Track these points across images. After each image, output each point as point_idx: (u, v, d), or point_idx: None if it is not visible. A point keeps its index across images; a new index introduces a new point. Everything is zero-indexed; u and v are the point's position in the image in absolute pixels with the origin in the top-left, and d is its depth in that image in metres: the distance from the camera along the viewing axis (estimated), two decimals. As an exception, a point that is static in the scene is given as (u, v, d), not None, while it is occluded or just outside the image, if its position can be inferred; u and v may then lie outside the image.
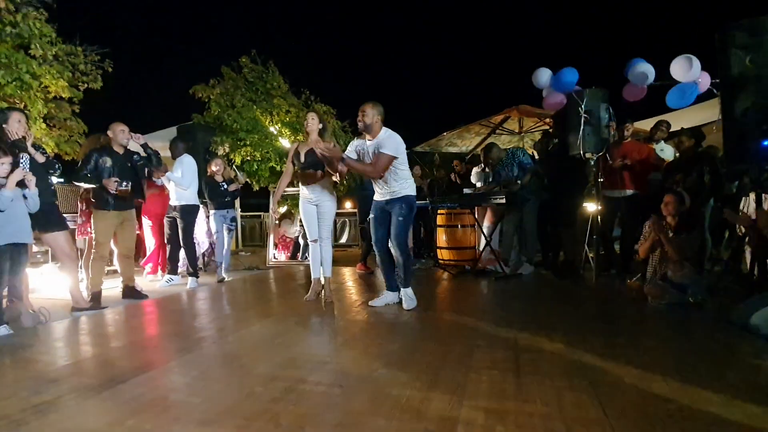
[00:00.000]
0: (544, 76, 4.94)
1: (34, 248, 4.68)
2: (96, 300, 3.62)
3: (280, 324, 2.90)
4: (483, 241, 5.12)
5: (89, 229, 4.17)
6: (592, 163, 4.46)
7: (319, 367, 2.03)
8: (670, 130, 5.14)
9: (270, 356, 2.20)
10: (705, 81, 4.51)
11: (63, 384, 1.88)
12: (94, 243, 3.81)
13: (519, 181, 4.93)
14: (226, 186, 5.14)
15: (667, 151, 4.94)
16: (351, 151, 3.37)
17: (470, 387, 1.78)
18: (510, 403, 1.62)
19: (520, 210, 5.01)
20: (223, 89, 7.31)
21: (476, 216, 5.23)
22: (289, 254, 6.80)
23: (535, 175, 4.99)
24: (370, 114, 3.15)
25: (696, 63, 4.26)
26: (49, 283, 4.40)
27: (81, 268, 4.12)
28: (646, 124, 5.91)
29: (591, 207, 4.57)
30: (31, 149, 3.17)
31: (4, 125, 3.03)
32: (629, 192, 4.46)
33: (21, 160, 3.05)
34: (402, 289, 3.32)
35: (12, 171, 2.83)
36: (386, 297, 3.41)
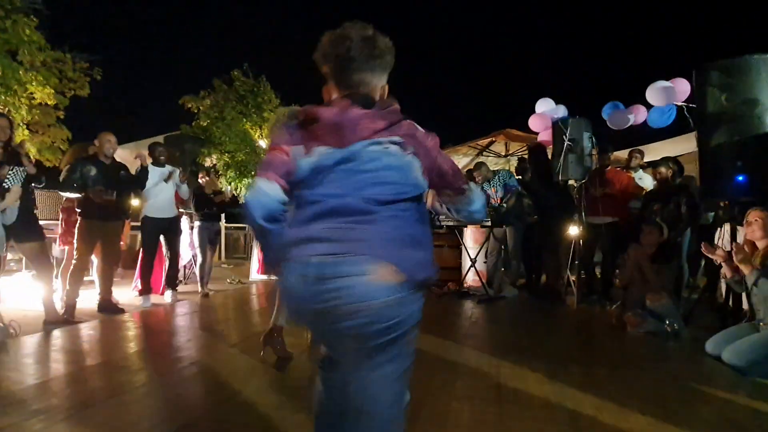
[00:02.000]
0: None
1: (9, 255, 4.54)
2: (70, 313, 3.51)
3: (256, 345, 2.85)
4: (468, 262, 5.15)
5: (70, 238, 4.07)
6: (575, 189, 4.58)
7: (299, 393, 1.99)
8: (652, 160, 5.32)
9: (250, 379, 2.16)
10: (682, 88, 4.67)
11: (30, 405, 1.81)
12: (75, 253, 3.71)
13: (504, 204, 5.02)
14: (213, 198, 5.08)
15: (645, 180, 5.10)
16: None
17: (452, 417, 1.77)
18: (490, 436, 1.62)
19: (505, 232, 5.08)
20: (214, 101, 7.31)
21: (462, 237, 5.28)
22: (272, 269, 6.73)
23: (519, 199, 5.08)
24: None
25: (671, 88, 4.45)
26: (21, 294, 4.25)
27: (57, 278, 3.99)
28: (625, 153, 6.12)
29: (574, 232, 4.66)
30: (25, 160, 3.12)
31: (-14, 132, 2.96)
32: (609, 219, 4.56)
33: (10, 172, 2.98)
34: None
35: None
36: None
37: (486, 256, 5.26)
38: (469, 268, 5.05)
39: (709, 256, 2.80)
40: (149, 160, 4.23)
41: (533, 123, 5.23)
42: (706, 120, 3.38)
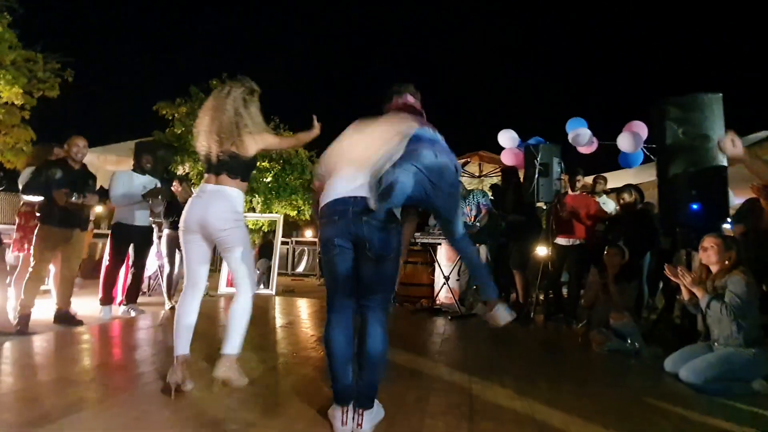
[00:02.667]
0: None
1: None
2: (23, 324, 3.31)
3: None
4: (441, 280, 5.22)
5: (26, 244, 3.85)
6: (545, 211, 4.77)
7: (271, 410, 1.96)
8: (615, 187, 5.61)
9: (219, 396, 2.10)
10: (642, 132, 5.01)
11: (-21, 423, 1.70)
12: (31, 260, 3.51)
13: (477, 223, 5.15)
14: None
15: (609, 205, 5.37)
16: None
17: (425, 433, 1.79)
18: (463, 451, 1.64)
19: (478, 251, 5.21)
20: (190, 109, 7.19)
21: (435, 254, 5.36)
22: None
23: (492, 218, 5.22)
24: None
25: (638, 138, 4.76)
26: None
27: (11, 286, 3.76)
28: (590, 179, 6.43)
29: (542, 252, 4.82)
30: None
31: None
32: (576, 241, 4.76)
33: None
34: None
35: None
36: None
37: (459, 274, 5.35)
38: (442, 286, 5.12)
39: (671, 278, 2.96)
40: (148, 165, 4.24)
41: (505, 157, 5.53)
42: (665, 151, 3.62)
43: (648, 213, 4.72)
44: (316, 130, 2.45)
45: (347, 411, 1.73)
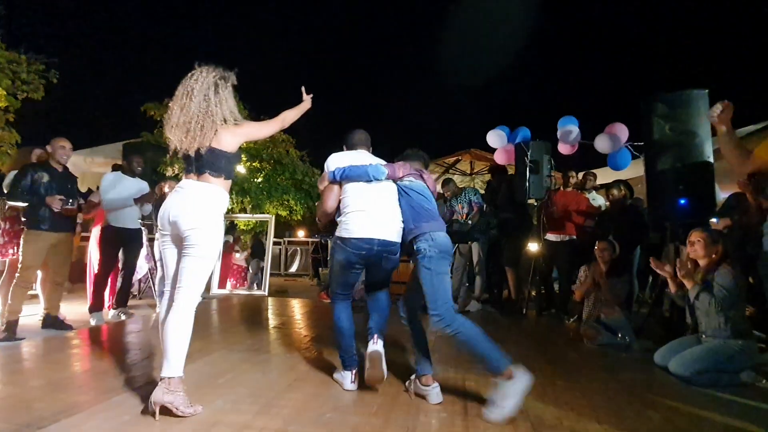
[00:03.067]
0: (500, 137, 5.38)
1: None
2: (11, 330, 3.26)
3: (223, 362, 2.76)
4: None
5: (11, 250, 3.78)
6: (536, 207, 4.81)
7: (265, 411, 1.95)
8: (604, 183, 5.67)
9: (212, 398, 2.08)
10: (623, 134, 5.05)
11: (-34, 431, 1.67)
12: (19, 266, 3.44)
13: (469, 220, 5.17)
14: None
15: (598, 200, 5.43)
16: None
17: (420, 430, 1.79)
18: (457, 448, 1.65)
19: (470, 248, 5.23)
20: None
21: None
22: (235, 283, 6.55)
23: (483, 215, 5.25)
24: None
25: (617, 139, 4.81)
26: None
27: (-3, 292, 3.69)
28: (580, 176, 6.48)
29: (534, 248, 4.86)
30: None
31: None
32: (567, 237, 4.80)
33: None
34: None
35: None
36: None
37: (452, 272, 5.37)
38: (435, 283, 5.13)
39: (657, 271, 3.01)
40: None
41: (498, 157, 5.53)
42: (652, 147, 3.67)
43: (637, 208, 4.78)
44: (306, 104, 2.39)
45: (355, 373, 2.28)
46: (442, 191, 5.69)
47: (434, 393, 2.11)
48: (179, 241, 1.95)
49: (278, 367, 2.69)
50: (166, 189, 4.84)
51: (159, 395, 1.79)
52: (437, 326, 2.07)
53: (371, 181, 2.24)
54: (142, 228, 4.42)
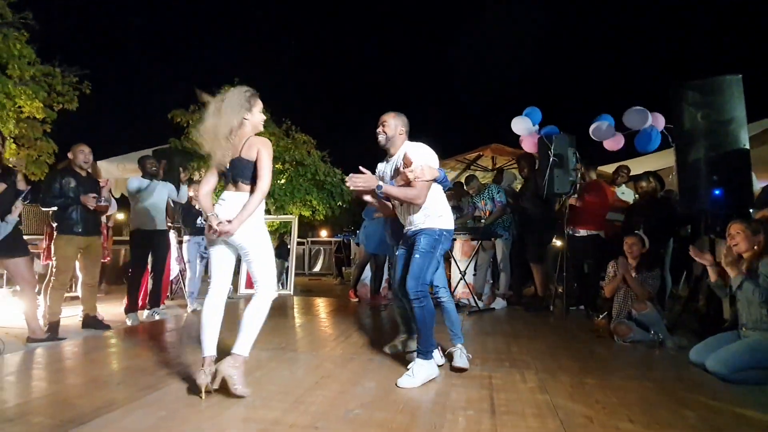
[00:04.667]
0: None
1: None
2: (53, 330, 3.44)
3: (252, 360, 2.80)
4: (456, 275, 5.20)
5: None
6: (561, 202, 4.70)
7: (294, 408, 1.99)
8: (633, 175, 5.48)
9: (239, 396, 2.13)
10: (659, 123, 4.78)
11: (19, 424, 1.77)
12: (54, 270, 3.62)
13: (482, 220, 5.13)
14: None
15: (627, 194, 5.26)
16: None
17: (447, 428, 1.79)
18: (485, 446, 1.64)
19: (494, 245, 5.17)
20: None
21: (451, 249, 5.33)
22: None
23: (504, 212, 5.17)
24: (392, 124, 2.51)
25: (646, 114, 4.55)
26: (2, 310, 4.13)
27: (40, 294, 3.90)
28: (610, 168, 6.29)
29: (560, 244, 4.76)
30: (20, 176, 3.13)
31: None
32: (593, 232, 4.67)
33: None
34: (416, 358, 2.43)
35: None
36: (421, 369, 2.36)
37: (475, 269, 5.32)
38: (459, 281, 5.10)
39: (697, 259, 2.90)
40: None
41: (525, 144, 5.31)
42: (683, 136, 3.54)
43: (669, 200, 4.61)
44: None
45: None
46: (466, 188, 5.65)
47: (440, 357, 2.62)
48: (231, 246, 2.24)
49: (305, 365, 2.74)
50: (191, 193, 5.02)
51: (225, 367, 2.07)
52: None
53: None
54: (170, 230, 4.57)
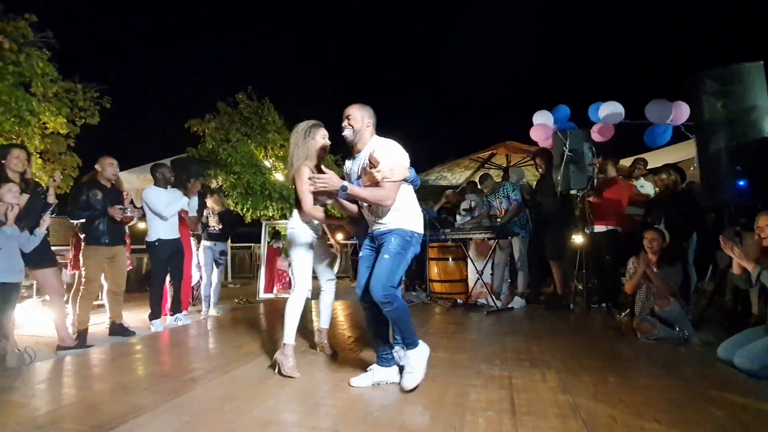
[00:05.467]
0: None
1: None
2: (82, 338, 3.55)
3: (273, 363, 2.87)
4: (473, 275, 5.16)
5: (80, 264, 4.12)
6: (578, 198, 4.62)
7: (314, 410, 2.01)
8: (652, 167, 5.36)
9: (263, 398, 2.17)
10: (680, 114, 4.62)
11: (50, 431, 1.84)
12: (83, 279, 3.75)
13: (498, 219, 5.08)
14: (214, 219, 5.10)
15: (646, 188, 5.13)
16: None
17: (467, 429, 1.78)
18: (506, 447, 1.63)
19: (510, 244, 5.12)
20: (219, 124, 7.47)
21: (467, 249, 5.31)
22: (281, 287, 6.76)
23: (520, 210, 5.11)
24: (358, 116, 2.34)
25: (670, 107, 4.46)
26: (33, 320, 4.29)
27: (68, 303, 4.03)
28: (626, 162, 6.15)
29: (578, 241, 4.68)
30: (51, 190, 3.27)
31: (3, 162, 3.06)
32: (611, 227, 4.58)
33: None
34: (405, 351, 2.34)
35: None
36: (375, 373, 2.39)
37: (492, 268, 5.28)
38: (477, 281, 5.06)
39: (726, 251, 2.82)
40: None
41: (534, 134, 5.26)
42: (704, 127, 3.44)
43: (690, 193, 4.49)
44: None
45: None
46: (480, 187, 5.62)
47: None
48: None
49: (325, 368, 2.76)
50: (209, 203, 5.09)
51: (277, 353, 2.63)
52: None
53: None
54: (191, 237, 4.66)
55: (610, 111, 4.78)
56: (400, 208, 2.29)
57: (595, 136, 4.94)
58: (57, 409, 2.11)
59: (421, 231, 2.38)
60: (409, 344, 2.28)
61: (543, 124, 4.98)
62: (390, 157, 2.21)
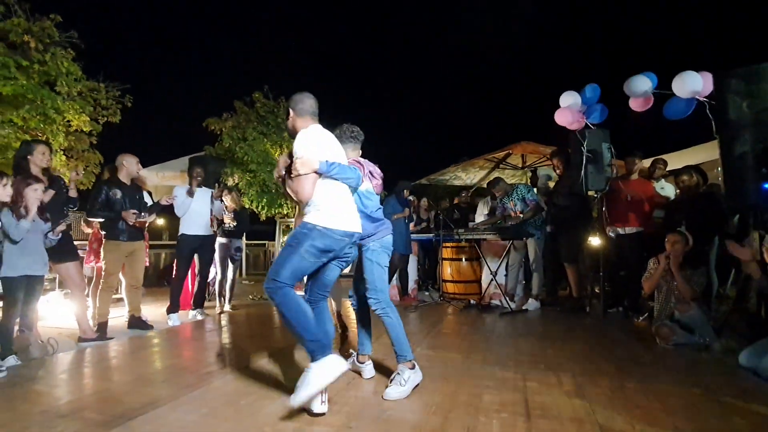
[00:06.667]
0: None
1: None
2: (102, 330, 3.64)
3: (288, 359, 2.90)
4: (487, 276, 5.13)
5: (92, 257, 4.24)
6: (596, 199, 4.54)
7: (329, 407, 2.02)
8: (673, 169, 5.23)
9: (279, 393, 2.20)
10: (707, 85, 4.26)
11: (72, 420, 1.90)
12: (103, 273, 3.85)
13: (521, 215, 5.01)
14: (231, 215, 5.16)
15: (667, 189, 5.01)
16: None
17: (480, 431, 1.77)
18: (520, 450, 1.62)
19: (525, 245, 5.06)
20: (236, 122, 7.57)
21: (481, 250, 5.27)
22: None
23: (539, 211, 5.05)
24: (290, 110, 2.30)
25: (698, 78, 4.16)
26: (55, 312, 4.42)
27: (88, 296, 4.14)
28: (645, 162, 6.02)
29: (596, 242, 4.60)
30: (72, 185, 3.36)
31: (29, 157, 3.16)
32: (633, 229, 4.50)
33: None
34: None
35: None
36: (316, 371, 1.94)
37: (506, 269, 5.23)
38: (490, 282, 5.02)
39: (734, 253, 2.75)
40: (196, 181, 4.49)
41: (560, 117, 4.98)
42: (728, 127, 3.35)
43: (713, 195, 4.37)
44: None
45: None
46: (492, 191, 5.57)
47: (367, 369, 2.52)
48: None
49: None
50: (228, 201, 5.15)
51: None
52: (374, 306, 2.39)
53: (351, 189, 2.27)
54: (215, 235, 4.73)
55: (637, 87, 4.46)
56: (316, 203, 2.11)
57: (635, 104, 4.60)
58: (79, 399, 2.17)
59: (331, 225, 2.06)
60: (311, 353, 1.95)
61: (569, 108, 4.75)
62: (297, 150, 2.10)
